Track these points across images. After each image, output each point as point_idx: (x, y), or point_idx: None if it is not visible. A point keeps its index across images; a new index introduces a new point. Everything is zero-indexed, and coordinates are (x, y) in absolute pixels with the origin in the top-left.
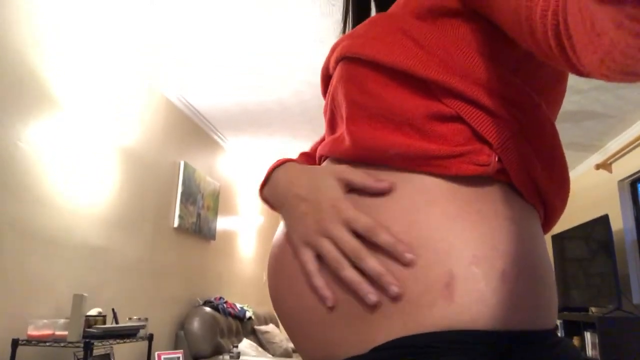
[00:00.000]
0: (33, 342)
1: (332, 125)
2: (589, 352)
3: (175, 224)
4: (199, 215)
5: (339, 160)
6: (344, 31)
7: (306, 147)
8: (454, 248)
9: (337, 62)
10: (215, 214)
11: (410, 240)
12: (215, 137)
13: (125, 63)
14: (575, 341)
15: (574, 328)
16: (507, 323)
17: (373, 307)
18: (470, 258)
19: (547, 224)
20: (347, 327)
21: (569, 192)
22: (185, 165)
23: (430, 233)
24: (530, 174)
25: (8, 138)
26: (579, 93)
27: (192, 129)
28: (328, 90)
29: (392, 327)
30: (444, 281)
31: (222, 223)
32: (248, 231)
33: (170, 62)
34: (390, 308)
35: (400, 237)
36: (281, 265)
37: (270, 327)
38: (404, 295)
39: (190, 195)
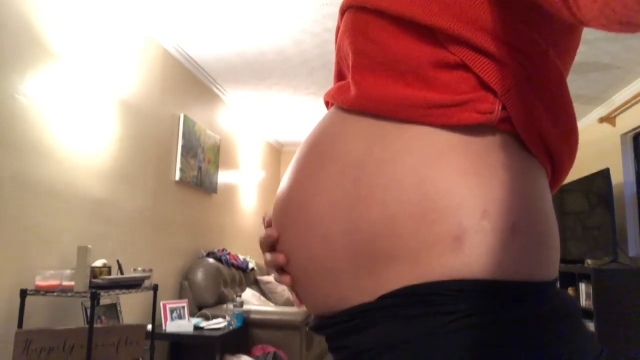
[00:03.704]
0: (41, 292)
1: (339, 78)
2: (583, 302)
3: (177, 177)
4: (200, 168)
5: (344, 109)
6: None
7: (307, 100)
8: (466, 202)
9: (343, 12)
10: (216, 167)
11: (422, 193)
12: (215, 89)
13: (122, 13)
14: (570, 291)
15: (569, 279)
16: (512, 274)
17: (382, 258)
18: (481, 212)
19: (554, 182)
20: (356, 277)
21: (576, 145)
22: (185, 118)
23: (442, 187)
24: (536, 124)
25: (5, 91)
26: (586, 43)
27: (191, 81)
28: (335, 43)
29: (401, 276)
30: (454, 234)
31: (223, 176)
32: (249, 185)
33: (166, 11)
34: (400, 258)
35: (412, 190)
36: (288, 218)
37: (272, 277)
38: (414, 246)
39: (191, 148)
